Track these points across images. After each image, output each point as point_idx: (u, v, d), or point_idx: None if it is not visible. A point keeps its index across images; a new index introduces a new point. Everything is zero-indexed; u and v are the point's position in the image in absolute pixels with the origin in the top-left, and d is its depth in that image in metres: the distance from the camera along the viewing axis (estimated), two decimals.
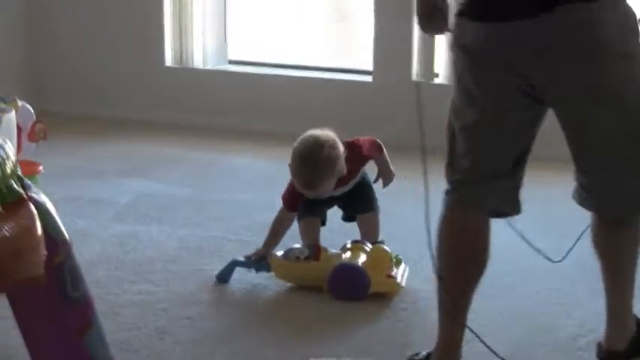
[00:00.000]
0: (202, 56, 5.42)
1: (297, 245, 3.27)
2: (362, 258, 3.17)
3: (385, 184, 3.48)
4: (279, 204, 3.36)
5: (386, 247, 3.23)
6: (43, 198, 1.63)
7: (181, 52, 5.45)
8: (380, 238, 3.37)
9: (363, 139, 3.40)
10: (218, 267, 3.32)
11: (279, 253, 3.25)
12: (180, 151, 4.91)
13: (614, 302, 2.66)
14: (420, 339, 2.83)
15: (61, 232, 1.66)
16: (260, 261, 3.25)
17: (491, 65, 2.38)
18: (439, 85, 5.06)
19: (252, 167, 4.70)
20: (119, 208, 4.01)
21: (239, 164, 4.74)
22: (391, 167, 3.46)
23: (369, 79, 5.14)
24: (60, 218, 1.78)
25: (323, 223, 3.45)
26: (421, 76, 5.08)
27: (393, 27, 5.06)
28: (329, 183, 3.22)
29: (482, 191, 2.49)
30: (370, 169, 3.47)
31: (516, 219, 2.60)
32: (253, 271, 3.25)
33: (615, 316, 2.68)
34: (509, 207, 2.53)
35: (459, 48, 2.44)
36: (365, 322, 2.99)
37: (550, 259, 2.81)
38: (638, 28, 2.38)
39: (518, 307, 3.08)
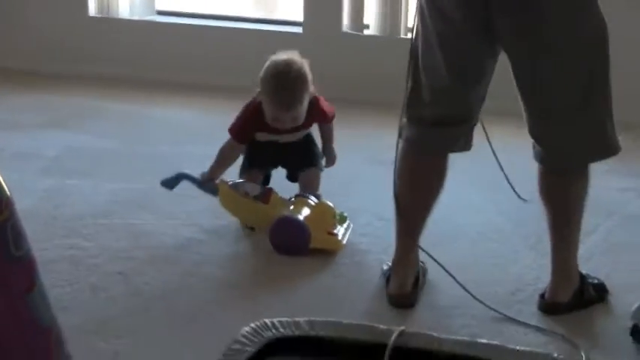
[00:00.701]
0: (129, 6, 5.28)
1: (251, 184, 3.22)
2: (305, 212, 3.11)
3: (328, 164, 3.46)
4: (208, 156, 3.29)
5: (329, 203, 3.18)
6: None
7: (106, 1, 5.30)
8: (320, 193, 3.32)
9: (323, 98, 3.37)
10: (149, 221, 3.26)
11: (229, 181, 3.19)
12: (106, 104, 4.79)
13: (559, 253, 2.70)
14: (361, 293, 2.81)
15: (2, 189, 1.57)
16: (207, 182, 3.20)
17: None
18: (368, 37, 5.03)
19: (180, 119, 4.61)
20: (46, 161, 3.89)
21: (166, 116, 4.64)
22: (334, 144, 3.46)
23: (299, 30, 5.07)
24: None
25: (267, 181, 3.40)
26: (350, 27, 5.04)
27: None
28: (303, 106, 3.17)
29: (444, 134, 2.61)
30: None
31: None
32: (196, 187, 3.21)
33: (560, 267, 2.70)
34: (463, 146, 2.67)
35: None
36: (305, 277, 2.94)
37: (521, 197, 2.91)
38: None
39: (457, 261, 3.07)
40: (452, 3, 2.45)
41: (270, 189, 3.23)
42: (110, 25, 5.31)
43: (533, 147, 2.61)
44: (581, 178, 2.61)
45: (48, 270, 2.80)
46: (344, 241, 3.13)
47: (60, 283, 2.79)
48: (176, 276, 2.90)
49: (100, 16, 5.33)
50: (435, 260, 2.77)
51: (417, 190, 2.75)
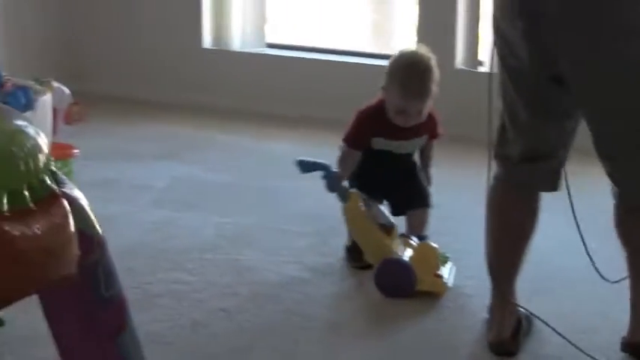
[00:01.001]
0: (241, 38, 5.32)
1: (383, 209, 3.16)
2: (408, 253, 3.07)
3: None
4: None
5: (433, 244, 3.13)
6: (77, 193, 1.55)
7: (219, 33, 5.36)
8: (427, 235, 3.27)
9: None
10: (254, 257, 3.25)
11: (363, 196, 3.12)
12: (218, 135, 4.83)
13: (638, 293, 2.61)
14: (465, 339, 2.75)
15: (95, 229, 1.58)
16: (340, 183, 3.13)
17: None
18: (483, 74, 4.96)
19: (291, 154, 4.59)
20: (156, 192, 3.94)
21: (278, 150, 4.64)
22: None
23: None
24: (95, 202, 1.70)
25: None
26: (464, 64, 4.98)
27: (437, 12, 4.96)
28: (429, 100, 3.14)
29: (529, 170, 2.57)
30: None
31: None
32: (326, 185, 3.12)
33: (638, 308, 2.62)
34: (551, 184, 2.60)
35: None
36: (408, 320, 2.88)
37: (605, 279, 2.75)
38: None
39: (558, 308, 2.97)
40: (519, 40, 2.40)
41: (395, 225, 3.16)
42: (222, 56, 5.36)
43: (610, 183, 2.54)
44: None
45: (151, 304, 2.86)
46: (450, 284, 3.06)
47: (162, 317, 2.80)
48: (279, 314, 2.89)
49: (213, 48, 5.39)
50: (529, 312, 2.70)
51: (507, 229, 2.69)
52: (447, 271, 3.09)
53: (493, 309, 2.71)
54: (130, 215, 3.63)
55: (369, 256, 3.10)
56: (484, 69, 4.98)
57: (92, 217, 1.58)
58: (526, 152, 2.56)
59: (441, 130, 3.35)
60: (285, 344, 2.70)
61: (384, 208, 3.19)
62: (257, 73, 5.29)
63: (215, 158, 4.46)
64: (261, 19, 5.39)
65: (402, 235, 3.16)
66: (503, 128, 2.60)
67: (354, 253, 3.25)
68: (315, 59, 5.30)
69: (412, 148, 3.29)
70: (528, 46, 2.38)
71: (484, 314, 2.81)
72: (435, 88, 3.16)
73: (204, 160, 4.41)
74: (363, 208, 3.09)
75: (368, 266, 3.18)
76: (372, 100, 3.26)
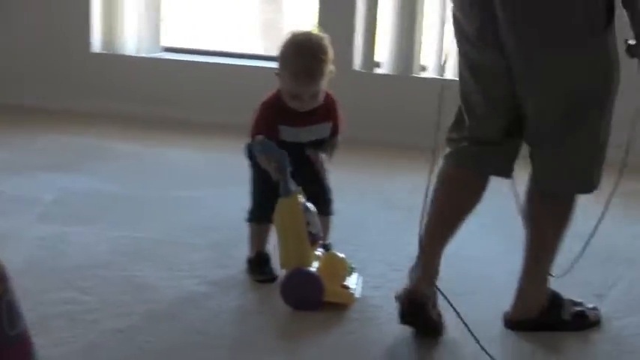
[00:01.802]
0: (135, 42, 5.15)
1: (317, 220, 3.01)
2: (315, 264, 2.96)
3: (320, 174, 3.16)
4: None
5: (340, 255, 3.01)
6: None
7: (111, 37, 5.18)
8: (330, 242, 3.17)
9: None
10: (152, 273, 3.10)
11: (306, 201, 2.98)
12: (110, 144, 4.65)
13: (529, 275, 2.79)
14: (373, 352, 2.65)
15: None
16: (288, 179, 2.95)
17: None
18: (380, 76, 4.92)
19: (189, 161, 4.46)
20: (44, 206, 3.74)
21: (177, 158, 4.49)
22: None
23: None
24: None
25: None
26: (362, 66, 4.92)
27: (337, 13, 4.89)
28: (322, 82, 2.99)
29: (479, 153, 2.71)
30: None
31: None
32: (276, 170, 2.93)
33: (526, 287, 2.80)
34: (502, 169, 2.75)
35: None
36: (316, 334, 2.77)
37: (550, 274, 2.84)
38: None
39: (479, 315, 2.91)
40: (467, 17, 2.56)
41: (321, 239, 3.03)
42: (115, 61, 5.19)
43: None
44: (564, 206, 2.72)
45: (43, 327, 2.68)
46: (357, 295, 2.96)
47: (55, 341, 2.61)
48: (180, 333, 2.73)
49: (104, 52, 5.21)
50: (454, 308, 2.65)
51: (450, 201, 2.78)
52: (353, 282, 2.99)
53: (414, 268, 2.78)
54: (16, 231, 3.43)
55: (285, 260, 2.96)
56: (381, 71, 4.94)
57: None
58: (480, 137, 2.69)
59: (343, 123, 3.20)
60: None
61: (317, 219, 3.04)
62: (154, 78, 5.13)
63: (108, 169, 4.28)
64: (156, 22, 5.22)
65: None
66: (460, 115, 2.73)
67: (257, 266, 3.14)
68: (213, 63, 5.19)
69: (318, 134, 3.13)
70: (483, 41, 2.55)
71: (393, 325, 2.73)
72: (329, 67, 3.01)
73: (96, 171, 4.23)
74: (300, 211, 2.94)
75: (271, 279, 3.08)
76: (272, 91, 3.12)
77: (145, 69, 5.19)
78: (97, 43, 5.21)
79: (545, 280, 2.81)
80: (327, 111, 3.12)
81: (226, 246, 3.35)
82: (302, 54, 2.98)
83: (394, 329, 2.76)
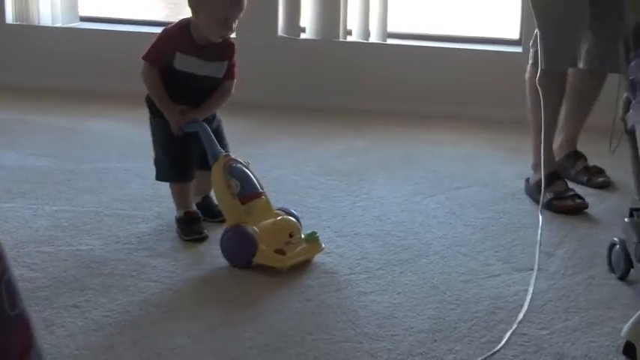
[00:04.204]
0: (50, 13, 5.02)
1: (250, 174, 3.04)
2: (266, 224, 2.96)
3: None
4: (148, 171, 3.09)
5: (289, 218, 3.01)
6: None
7: (24, 7, 5.04)
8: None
9: None
10: (100, 247, 3.05)
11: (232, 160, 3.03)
12: (33, 118, 4.55)
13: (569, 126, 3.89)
14: (338, 317, 2.64)
15: None
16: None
17: None
18: (305, 41, 4.91)
19: (115, 132, 4.39)
20: None
21: (104, 129, 4.41)
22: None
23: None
24: None
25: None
26: (286, 31, 4.90)
27: None
28: (244, 6, 3.05)
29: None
30: None
31: None
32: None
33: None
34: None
35: None
36: (270, 301, 2.74)
37: None
38: None
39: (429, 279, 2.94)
40: None
41: (260, 193, 3.03)
42: (30, 32, 5.05)
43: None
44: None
45: None
46: (290, 263, 2.92)
47: None
48: (138, 306, 2.69)
49: (18, 23, 5.07)
50: None
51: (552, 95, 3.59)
52: (298, 249, 2.95)
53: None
54: None
55: (226, 219, 3.02)
56: (305, 36, 4.93)
57: None
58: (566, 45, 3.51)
59: (236, 70, 3.21)
60: (148, 339, 2.52)
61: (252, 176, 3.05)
62: (72, 49, 5.01)
63: (34, 143, 4.19)
64: None
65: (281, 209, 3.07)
66: (544, 39, 3.49)
67: (185, 225, 3.16)
68: (135, 32, 5.09)
69: (215, 71, 3.14)
70: None
71: (350, 290, 2.75)
72: None
73: (25, 145, 4.13)
74: (222, 176, 2.98)
75: (201, 239, 3.13)
76: (171, 25, 3.14)
77: (63, 40, 5.07)
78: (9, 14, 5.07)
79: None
80: (224, 51, 3.15)
81: (167, 216, 3.31)
82: None
83: (351, 294, 2.77)
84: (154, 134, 3.20)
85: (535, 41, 3.57)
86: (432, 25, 5.29)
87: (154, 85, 3.10)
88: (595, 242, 3.21)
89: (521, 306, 2.69)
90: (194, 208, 3.21)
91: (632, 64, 2.83)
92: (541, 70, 3.50)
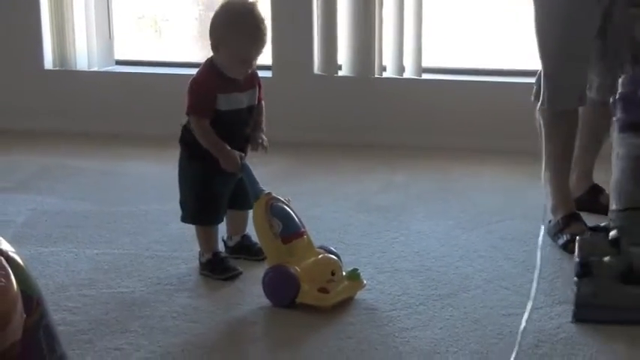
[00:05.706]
0: (87, 57, 5.08)
1: (292, 213, 3.02)
2: (306, 263, 2.95)
3: (253, 147, 3.17)
4: None
5: (332, 257, 2.99)
6: (9, 248, 1.34)
7: (62, 52, 5.10)
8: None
9: None
10: (140, 289, 3.05)
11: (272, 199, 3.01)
12: (72, 162, 4.58)
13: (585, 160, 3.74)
14: (375, 355, 2.62)
15: (35, 287, 1.38)
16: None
17: None
18: (342, 78, 4.94)
19: (153, 175, 4.40)
20: (16, 228, 3.66)
21: (139, 172, 4.43)
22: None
23: (268, 74, 4.91)
24: None
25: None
26: (323, 70, 4.92)
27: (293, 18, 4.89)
28: (265, 45, 3.06)
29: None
30: None
31: None
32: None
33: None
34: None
35: None
36: (311, 339, 2.72)
37: None
38: None
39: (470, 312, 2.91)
40: None
41: (302, 232, 3.01)
42: (67, 77, 5.11)
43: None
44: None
45: None
46: (334, 300, 2.90)
47: None
48: (177, 348, 2.69)
49: (56, 69, 5.13)
50: None
51: (571, 132, 3.55)
52: (340, 288, 2.93)
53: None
54: None
55: (268, 259, 3.02)
56: (342, 73, 4.95)
57: (30, 273, 1.38)
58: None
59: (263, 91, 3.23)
60: None
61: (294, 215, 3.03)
62: (108, 92, 5.06)
63: (74, 187, 4.21)
64: (106, 35, 5.15)
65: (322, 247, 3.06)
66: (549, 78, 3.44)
67: (218, 265, 3.16)
68: (169, 74, 5.13)
69: (251, 99, 3.14)
70: None
71: (391, 327, 2.75)
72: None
73: (63, 190, 4.15)
74: (263, 214, 2.97)
75: (236, 275, 3.14)
76: (199, 70, 3.13)
77: (98, 83, 5.12)
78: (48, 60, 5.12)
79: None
80: (252, 77, 3.15)
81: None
82: (250, 15, 3.02)
83: (393, 330, 2.75)
84: (184, 176, 3.18)
85: (539, 78, 3.48)
86: (466, 58, 5.27)
87: (208, 135, 3.05)
88: None
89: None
90: (219, 248, 3.22)
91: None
92: (546, 108, 3.46)
